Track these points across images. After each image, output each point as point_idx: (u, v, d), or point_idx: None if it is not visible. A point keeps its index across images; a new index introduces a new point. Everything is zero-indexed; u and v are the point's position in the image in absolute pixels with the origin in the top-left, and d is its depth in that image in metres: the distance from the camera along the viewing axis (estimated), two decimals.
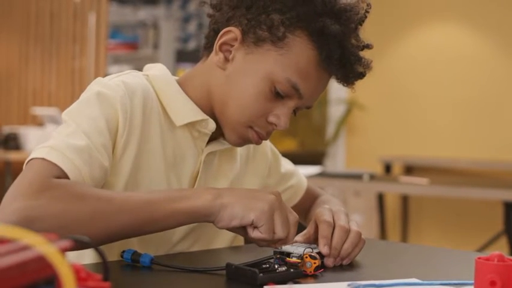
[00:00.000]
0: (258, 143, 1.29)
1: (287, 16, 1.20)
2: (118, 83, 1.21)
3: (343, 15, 1.21)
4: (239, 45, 1.24)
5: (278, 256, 1.12)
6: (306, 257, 1.09)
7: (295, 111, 1.28)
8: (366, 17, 1.26)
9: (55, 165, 1.09)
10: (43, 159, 1.09)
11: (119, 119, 1.18)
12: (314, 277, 1.08)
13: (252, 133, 1.26)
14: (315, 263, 1.09)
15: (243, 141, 1.28)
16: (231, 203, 1.09)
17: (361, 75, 1.26)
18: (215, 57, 1.26)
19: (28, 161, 1.12)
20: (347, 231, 1.20)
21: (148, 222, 1.08)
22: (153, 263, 1.10)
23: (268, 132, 1.27)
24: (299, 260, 1.09)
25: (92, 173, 1.12)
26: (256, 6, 1.22)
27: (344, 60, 1.22)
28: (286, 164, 1.56)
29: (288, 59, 1.21)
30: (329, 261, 1.17)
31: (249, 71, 1.23)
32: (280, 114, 1.24)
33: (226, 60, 1.25)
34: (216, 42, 1.26)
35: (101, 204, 1.06)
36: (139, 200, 1.09)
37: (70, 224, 1.03)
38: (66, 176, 1.09)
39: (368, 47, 1.26)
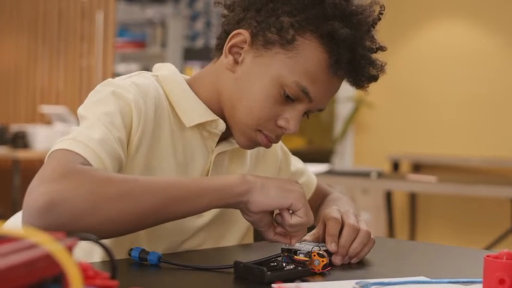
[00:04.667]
0: (267, 146, 1.28)
1: (297, 19, 1.19)
2: (130, 84, 1.21)
3: (353, 19, 1.20)
4: (248, 48, 1.23)
5: (286, 254, 1.12)
6: (314, 255, 1.09)
7: (307, 114, 1.27)
8: (379, 19, 1.25)
9: (78, 154, 1.08)
10: (66, 149, 1.09)
11: (133, 117, 1.18)
12: (322, 275, 1.08)
13: (261, 136, 1.25)
14: (323, 261, 1.08)
15: (253, 144, 1.28)
16: (266, 185, 1.09)
17: (374, 78, 1.25)
18: (225, 59, 1.26)
19: (50, 153, 1.10)
20: (356, 230, 1.20)
21: (181, 199, 1.07)
22: (161, 261, 1.10)
23: (278, 135, 1.26)
24: (307, 258, 1.09)
25: (113, 164, 1.12)
26: (266, 9, 1.21)
27: (354, 63, 1.21)
28: (296, 162, 1.56)
29: (297, 62, 1.19)
30: (337, 260, 1.16)
31: (258, 74, 1.22)
32: (290, 118, 1.23)
33: (236, 62, 1.25)
34: (225, 44, 1.25)
35: (128, 184, 1.05)
36: (167, 181, 1.09)
37: (99, 205, 1.01)
38: (89, 165, 1.08)
39: (382, 49, 1.25)
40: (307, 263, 1.08)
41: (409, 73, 5.71)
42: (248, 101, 1.23)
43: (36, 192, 1.00)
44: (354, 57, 1.20)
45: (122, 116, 1.16)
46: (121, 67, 7.02)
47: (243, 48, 1.24)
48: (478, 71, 5.43)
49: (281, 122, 1.23)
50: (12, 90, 6.54)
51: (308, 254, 1.10)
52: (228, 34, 1.26)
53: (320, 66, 1.20)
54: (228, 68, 1.25)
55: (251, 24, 1.22)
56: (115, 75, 5.99)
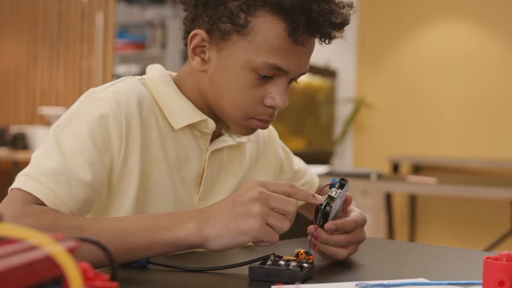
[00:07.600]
0: (264, 127, 1.28)
1: (243, 0, 1.17)
2: (109, 94, 1.20)
3: None
4: (209, 45, 1.23)
5: (275, 254, 1.11)
6: (301, 254, 1.09)
7: (295, 81, 1.27)
8: None
9: (30, 194, 1.10)
10: (19, 189, 1.11)
11: (110, 132, 1.18)
12: (322, 276, 1.08)
13: (255, 122, 1.26)
14: (309, 259, 1.09)
15: (250, 130, 1.29)
16: (218, 235, 1.05)
17: (343, 24, 1.20)
18: (193, 62, 1.25)
19: (10, 190, 1.13)
20: (357, 227, 1.21)
21: (125, 253, 1.06)
22: (149, 263, 1.10)
23: (271, 115, 1.26)
24: (294, 258, 1.09)
25: (72, 193, 1.12)
26: (212, 1, 1.20)
27: (312, 24, 1.17)
28: (299, 162, 1.57)
29: (258, 43, 1.18)
30: (328, 224, 1.15)
31: (227, 67, 1.22)
32: (275, 94, 1.22)
33: (204, 61, 1.24)
34: (188, 48, 1.25)
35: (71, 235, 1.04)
36: (115, 230, 1.07)
37: None
38: (43, 203, 1.09)
39: None
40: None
41: (409, 74, 5.71)
42: (229, 95, 1.23)
43: None
44: (311, 18, 1.17)
45: (92, 136, 1.16)
46: (121, 68, 7.02)
47: (205, 46, 1.23)
48: (478, 73, 5.44)
49: (268, 101, 1.23)
50: (12, 91, 6.53)
51: (296, 253, 1.10)
52: (188, 33, 1.25)
53: (282, 38, 1.18)
54: (199, 69, 1.25)
55: (204, 21, 1.21)
56: (115, 76, 5.99)
